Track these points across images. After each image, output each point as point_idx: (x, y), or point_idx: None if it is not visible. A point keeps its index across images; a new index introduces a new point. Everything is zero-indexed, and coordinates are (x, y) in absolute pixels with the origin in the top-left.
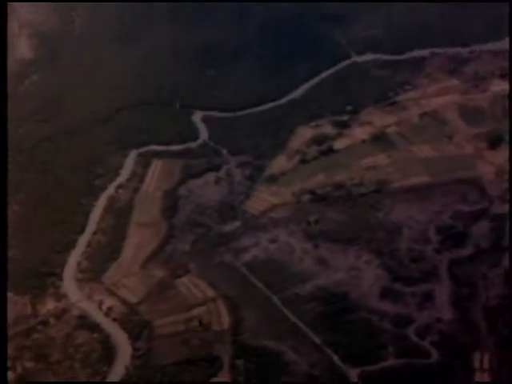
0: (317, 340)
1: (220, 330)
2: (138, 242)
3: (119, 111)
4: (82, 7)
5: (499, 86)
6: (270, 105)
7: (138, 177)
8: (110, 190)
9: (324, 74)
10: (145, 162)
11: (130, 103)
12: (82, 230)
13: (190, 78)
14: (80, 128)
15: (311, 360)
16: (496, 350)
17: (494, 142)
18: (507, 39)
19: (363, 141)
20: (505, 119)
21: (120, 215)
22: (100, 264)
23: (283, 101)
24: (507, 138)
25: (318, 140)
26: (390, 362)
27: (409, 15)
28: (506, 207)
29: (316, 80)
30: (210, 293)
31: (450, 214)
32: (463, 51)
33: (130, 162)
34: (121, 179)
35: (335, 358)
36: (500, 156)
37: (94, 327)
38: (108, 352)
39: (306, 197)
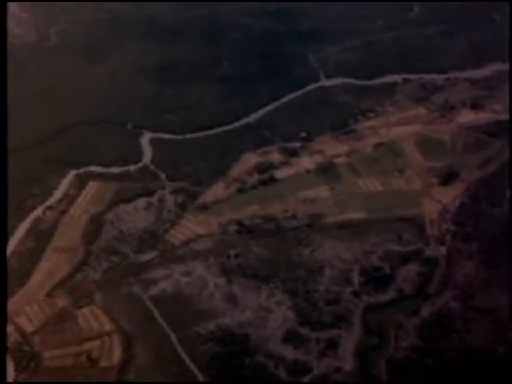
0: None
1: (108, 366)
2: (50, 267)
3: (68, 129)
4: (62, 22)
5: (466, 117)
6: (222, 129)
7: (70, 198)
8: (38, 211)
9: (287, 98)
10: (81, 183)
11: (81, 121)
12: None
13: (149, 98)
14: (27, 145)
15: None
16: None
17: (446, 178)
18: (487, 67)
19: (308, 171)
20: (464, 154)
21: (41, 238)
22: (8, 289)
23: (236, 125)
24: (462, 174)
25: (261, 168)
26: None
27: (391, 40)
28: (442, 250)
29: (276, 104)
30: (108, 326)
31: (380, 255)
32: (438, 78)
33: (65, 182)
34: (51, 200)
35: None
36: (449, 193)
37: None
38: None
39: (233, 228)
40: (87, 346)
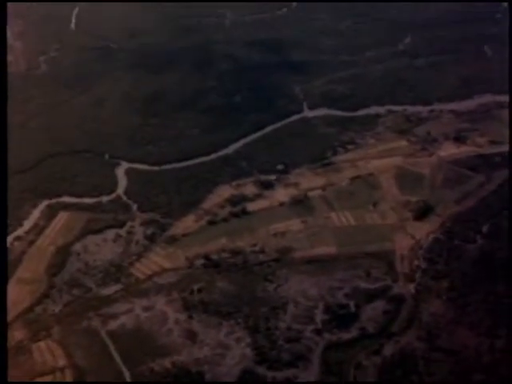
0: None
1: None
2: (12, 299)
3: (46, 159)
4: (54, 50)
5: (448, 151)
6: (200, 160)
7: (39, 229)
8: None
9: (267, 130)
10: (51, 213)
11: (62, 151)
12: None
13: (132, 128)
14: None
15: None
16: None
17: (421, 213)
18: (472, 100)
19: (281, 204)
20: (443, 189)
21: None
22: None
23: (214, 156)
24: (439, 209)
25: (234, 201)
26: None
27: (379, 71)
28: (410, 287)
29: (256, 135)
30: (62, 361)
31: (347, 291)
32: (423, 110)
33: (36, 213)
34: (20, 231)
35: None
36: (424, 228)
37: None
38: None
39: (200, 262)
40: (39, 381)
